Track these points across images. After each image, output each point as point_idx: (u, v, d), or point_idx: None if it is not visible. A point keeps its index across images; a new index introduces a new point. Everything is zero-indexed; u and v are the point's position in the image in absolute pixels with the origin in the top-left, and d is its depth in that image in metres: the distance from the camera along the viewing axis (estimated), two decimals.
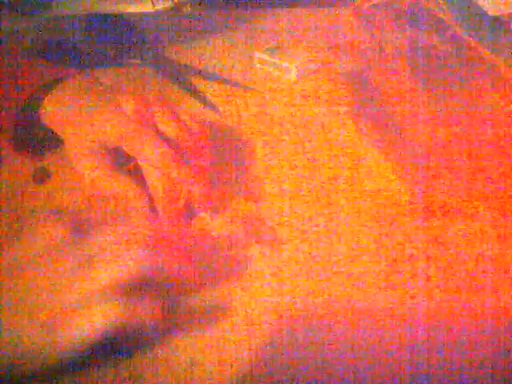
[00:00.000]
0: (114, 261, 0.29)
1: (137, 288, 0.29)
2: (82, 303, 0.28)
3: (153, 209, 0.38)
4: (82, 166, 0.38)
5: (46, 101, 0.41)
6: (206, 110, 0.52)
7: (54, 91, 0.41)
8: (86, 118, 0.39)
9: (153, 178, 0.38)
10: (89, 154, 0.38)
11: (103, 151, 0.38)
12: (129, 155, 0.38)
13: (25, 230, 0.31)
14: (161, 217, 0.38)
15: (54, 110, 0.40)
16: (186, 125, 0.39)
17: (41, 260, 0.29)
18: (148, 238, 0.31)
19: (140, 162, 0.39)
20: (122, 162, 0.40)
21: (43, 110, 0.41)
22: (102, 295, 0.28)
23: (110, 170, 0.38)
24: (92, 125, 0.38)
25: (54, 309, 0.28)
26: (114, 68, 0.56)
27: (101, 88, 0.42)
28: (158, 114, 0.39)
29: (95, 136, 0.38)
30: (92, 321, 0.28)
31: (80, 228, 0.30)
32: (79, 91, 0.41)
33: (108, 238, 0.30)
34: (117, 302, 0.28)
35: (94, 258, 0.29)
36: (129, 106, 0.38)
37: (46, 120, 0.41)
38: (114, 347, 0.30)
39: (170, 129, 0.39)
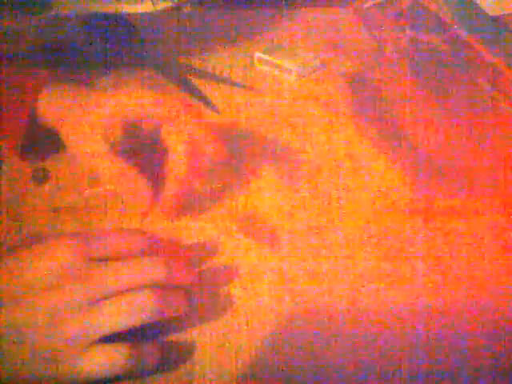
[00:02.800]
0: (120, 309, 0.28)
1: (139, 329, 0.29)
2: (84, 344, 0.28)
3: (155, 200, 0.37)
4: (81, 151, 0.37)
5: (39, 98, 0.40)
6: (206, 110, 0.52)
7: (48, 87, 0.40)
8: (85, 99, 0.38)
9: (177, 148, 0.37)
10: (88, 135, 0.37)
11: (107, 131, 0.37)
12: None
13: (36, 249, 0.30)
14: (161, 207, 0.38)
15: (49, 103, 0.40)
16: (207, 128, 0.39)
17: (48, 287, 0.28)
18: (156, 280, 0.30)
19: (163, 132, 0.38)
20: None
21: (38, 106, 0.40)
22: (105, 340, 0.28)
23: (111, 155, 0.37)
24: (96, 103, 0.38)
25: (56, 344, 0.27)
26: (113, 68, 0.56)
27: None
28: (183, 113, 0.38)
29: (99, 113, 0.37)
30: (94, 364, 0.28)
31: (91, 257, 0.30)
32: (75, 86, 0.41)
33: (117, 280, 0.29)
34: (121, 348, 0.28)
35: (101, 302, 0.28)
36: (145, 93, 0.38)
37: (41, 116, 0.40)
38: None
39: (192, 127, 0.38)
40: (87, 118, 0.38)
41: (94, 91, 0.40)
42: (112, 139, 0.37)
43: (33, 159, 0.43)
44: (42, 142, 0.42)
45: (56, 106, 0.40)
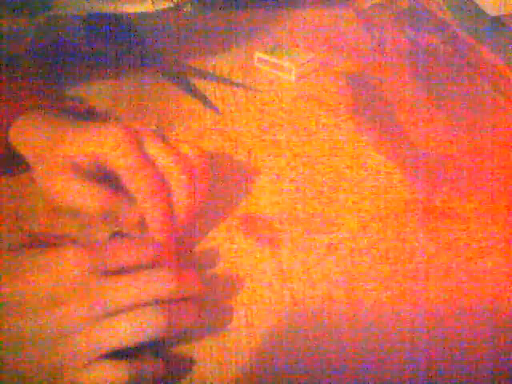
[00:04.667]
0: (128, 326, 0.28)
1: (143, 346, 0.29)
2: (88, 359, 0.27)
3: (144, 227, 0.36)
4: (52, 185, 0.35)
5: (12, 127, 0.39)
6: (206, 110, 0.52)
7: (23, 117, 0.39)
8: (57, 138, 0.36)
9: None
10: (60, 171, 0.35)
11: (78, 168, 0.35)
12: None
13: (42, 260, 0.29)
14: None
15: (22, 134, 0.39)
16: (180, 156, 0.36)
17: (54, 300, 0.28)
18: (166, 295, 0.29)
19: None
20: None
21: (10, 135, 0.39)
22: (110, 356, 0.28)
23: (87, 183, 0.35)
24: (64, 143, 0.36)
25: (59, 358, 0.27)
26: (113, 69, 0.56)
27: (75, 116, 0.40)
28: (149, 145, 0.36)
29: (69, 153, 0.35)
30: (95, 380, 0.27)
31: (98, 270, 0.29)
32: (51, 117, 0.39)
33: (125, 295, 0.28)
34: (123, 365, 0.28)
35: (108, 317, 0.28)
36: (114, 130, 0.35)
37: (13, 145, 0.39)
38: None
39: (161, 160, 0.35)
40: (58, 156, 0.36)
41: (66, 127, 0.38)
42: (86, 175, 0.35)
43: (14, 174, 0.42)
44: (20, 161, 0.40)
45: (28, 138, 0.38)
